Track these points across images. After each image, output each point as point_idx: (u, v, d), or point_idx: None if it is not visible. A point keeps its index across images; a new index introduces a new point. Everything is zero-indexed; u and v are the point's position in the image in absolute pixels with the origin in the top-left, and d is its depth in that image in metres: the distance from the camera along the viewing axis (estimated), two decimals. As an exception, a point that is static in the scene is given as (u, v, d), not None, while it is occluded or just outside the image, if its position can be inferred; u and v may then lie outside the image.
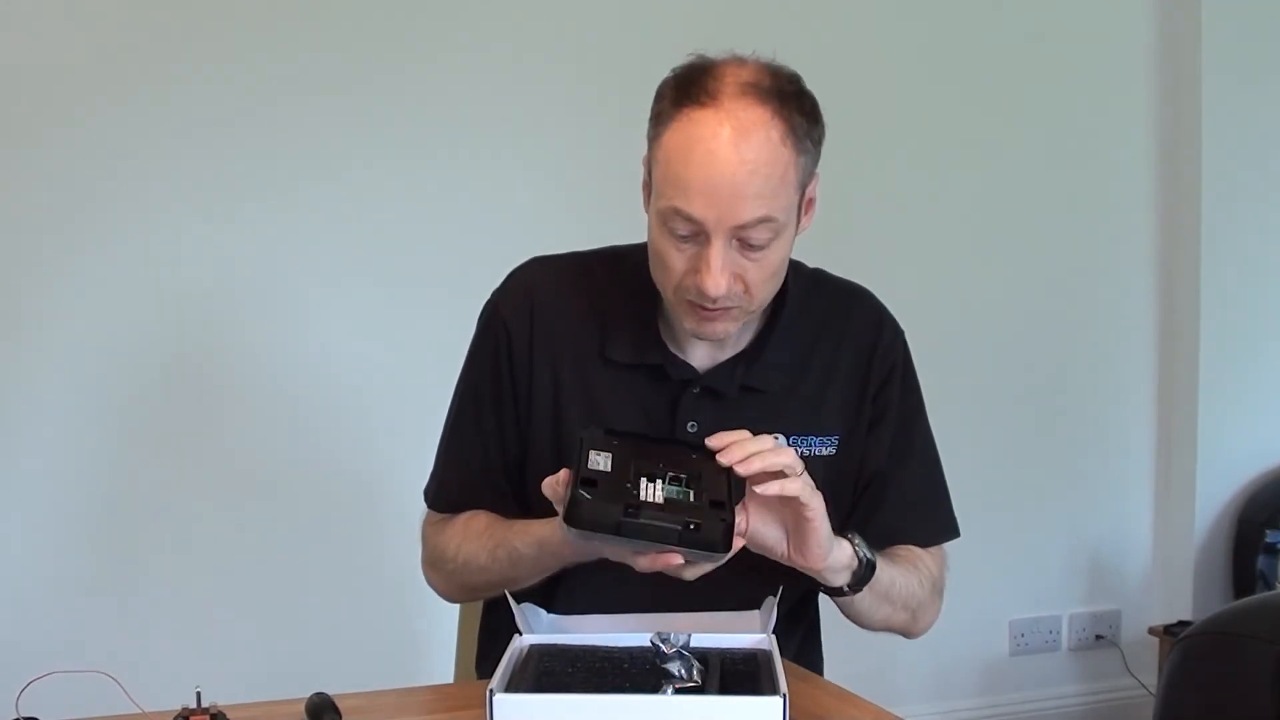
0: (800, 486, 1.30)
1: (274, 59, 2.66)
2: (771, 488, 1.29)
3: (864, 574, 1.42)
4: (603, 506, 1.23)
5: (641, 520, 1.22)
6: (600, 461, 1.28)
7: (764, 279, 1.41)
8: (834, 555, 1.38)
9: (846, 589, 1.42)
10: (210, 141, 2.62)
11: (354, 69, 2.71)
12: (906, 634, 1.58)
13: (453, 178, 2.78)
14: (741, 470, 1.28)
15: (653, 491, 1.25)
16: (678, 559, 1.25)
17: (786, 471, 1.30)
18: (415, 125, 2.75)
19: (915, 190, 3.17)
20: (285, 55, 2.66)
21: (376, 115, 2.73)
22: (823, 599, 1.66)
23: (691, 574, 1.29)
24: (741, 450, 1.29)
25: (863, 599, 1.45)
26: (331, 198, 2.71)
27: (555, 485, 1.31)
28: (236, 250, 2.66)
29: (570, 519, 1.23)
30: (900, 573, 1.50)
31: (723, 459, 1.28)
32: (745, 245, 1.37)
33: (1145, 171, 3.38)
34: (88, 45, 2.54)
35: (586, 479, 1.25)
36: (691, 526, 1.22)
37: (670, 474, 1.28)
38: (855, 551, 1.41)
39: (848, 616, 1.51)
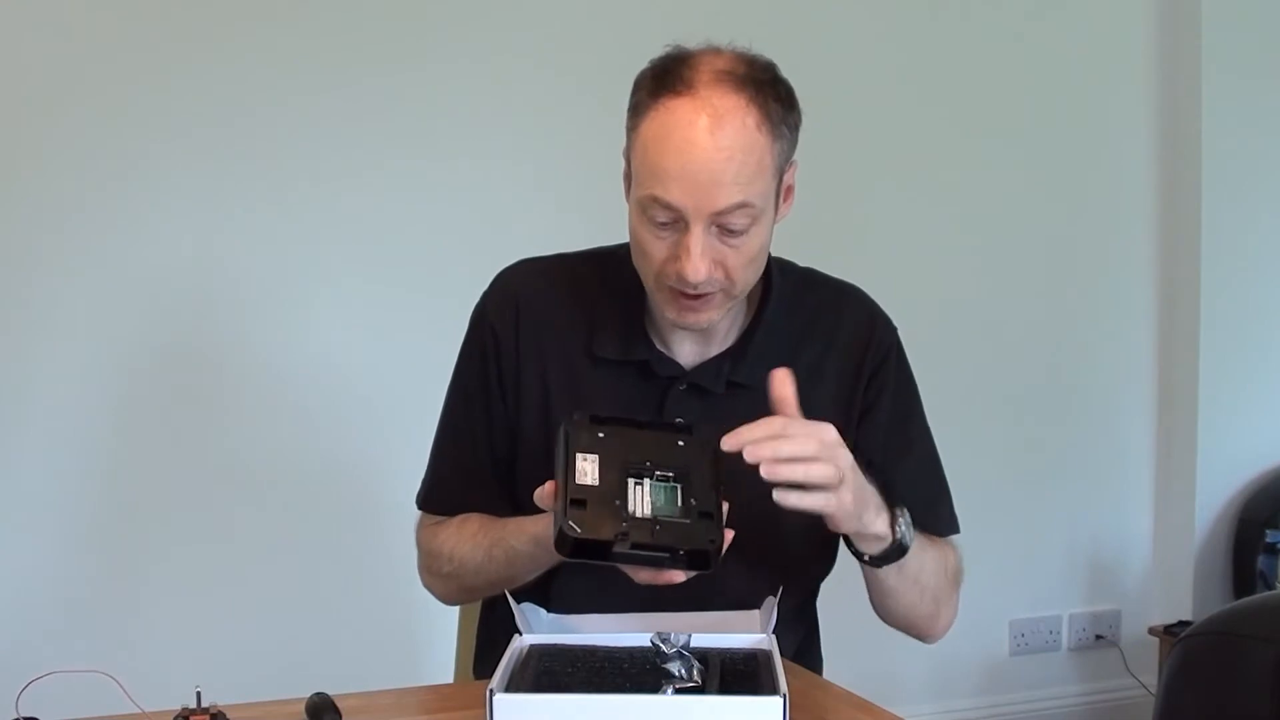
0: (825, 502, 1.29)
1: (270, 60, 2.66)
2: (790, 499, 1.28)
3: (892, 553, 1.40)
4: (591, 539, 1.23)
5: (631, 551, 1.24)
6: (588, 470, 1.28)
7: (744, 264, 1.42)
8: (866, 521, 1.36)
9: (870, 559, 1.41)
10: (208, 141, 2.62)
11: (349, 71, 2.71)
12: (924, 633, 1.56)
13: (446, 179, 2.78)
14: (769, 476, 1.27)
15: (642, 499, 1.26)
16: (677, 576, 1.27)
17: (820, 481, 1.29)
18: (409, 126, 2.75)
19: (914, 190, 3.17)
20: (281, 56, 2.66)
21: (370, 117, 2.73)
22: (822, 601, 1.66)
23: (684, 576, 1.29)
24: (771, 470, 1.27)
25: (888, 574, 1.44)
26: (328, 198, 2.71)
27: (545, 497, 1.31)
28: (233, 251, 2.66)
29: (560, 549, 1.24)
30: (930, 558, 1.49)
31: (749, 457, 1.26)
32: (724, 231, 1.38)
33: (1145, 171, 3.38)
34: (86, 44, 2.54)
35: (575, 499, 1.25)
36: (681, 553, 1.24)
37: (658, 473, 1.29)
38: (894, 528, 1.39)
39: (873, 599, 1.50)
